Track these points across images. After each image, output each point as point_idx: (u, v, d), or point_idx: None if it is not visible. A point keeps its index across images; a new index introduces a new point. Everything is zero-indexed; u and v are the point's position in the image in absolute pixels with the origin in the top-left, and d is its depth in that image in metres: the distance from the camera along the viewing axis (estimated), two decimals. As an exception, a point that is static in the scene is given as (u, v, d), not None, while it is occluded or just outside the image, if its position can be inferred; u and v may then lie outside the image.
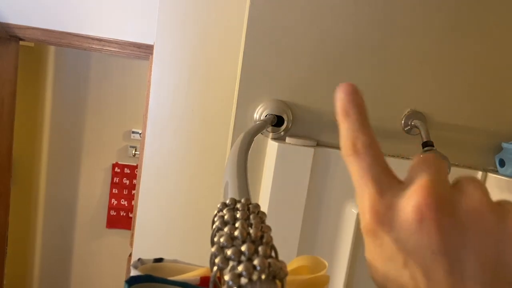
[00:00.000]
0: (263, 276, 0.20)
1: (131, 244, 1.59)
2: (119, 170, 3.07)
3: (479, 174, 0.99)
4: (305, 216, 0.99)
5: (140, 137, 3.06)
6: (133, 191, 3.08)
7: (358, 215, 0.99)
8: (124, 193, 3.07)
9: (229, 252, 0.22)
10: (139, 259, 0.32)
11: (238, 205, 0.29)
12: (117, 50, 1.94)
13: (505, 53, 0.99)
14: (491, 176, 0.98)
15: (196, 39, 1.34)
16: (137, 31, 1.89)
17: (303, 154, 0.98)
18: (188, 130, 1.39)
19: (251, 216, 0.27)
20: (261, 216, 0.28)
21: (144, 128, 1.61)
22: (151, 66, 1.59)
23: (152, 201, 1.41)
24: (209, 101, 1.38)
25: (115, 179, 3.07)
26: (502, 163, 0.97)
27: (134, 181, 3.08)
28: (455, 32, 0.98)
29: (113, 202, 3.07)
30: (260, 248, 0.22)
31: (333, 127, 1.02)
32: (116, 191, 3.07)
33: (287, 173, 0.99)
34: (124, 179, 3.07)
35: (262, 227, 0.26)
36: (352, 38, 0.98)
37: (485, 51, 0.99)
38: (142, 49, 1.94)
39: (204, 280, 0.30)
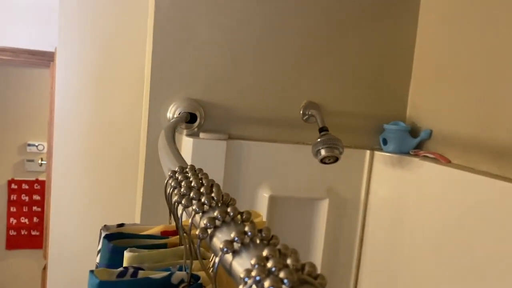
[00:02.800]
0: (219, 204, 0.28)
1: (45, 256, 1.54)
2: (16, 187, 2.87)
3: (367, 153, 1.16)
4: (223, 203, 1.07)
5: (38, 149, 2.90)
6: (34, 208, 2.91)
7: (270, 197, 1.10)
8: (24, 210, 2.88)
9: (191, 194, 0.30)
10: (104, 225, 0.37)
11: (186, 169, 0.37)
12: (11, 58, 1.85)
13: (380, 48, 1.17)
14: (377, 153, 1.16)
15: (101, 42, 1.35)
16: (33, 38, 1.81)
17: (216, 147, 1.07)
18: (97, 135, 1.39)
19: (199, 174, 0.35)
20: (206, 173, 0.35)
21: (50, 137, 1.57)
22: (53, 73, 1.56)
23: (66, 209, 1.39)
24: (118, 104, 1.39)
25: (12, 197, 2.87)
26: (385, 142, 1.14)
27: (35, 196, 2.91)
28: (337, 31, 1.14)
29: (12, 221, 2.87)
30: (214, 189, 0.30)
31: (243, 120, 1.12)
32: (15, 209, 2.87)
33: (203, 166, 1.06)
34: (23, 196, 2.88)
35: (210, 179, 0.33)
36: (254, 39, 1.09)
37: (364, 47, 1.16)
38: (38, 56, 1.87)
39: (164, 233, 0.37)
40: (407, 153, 1.12)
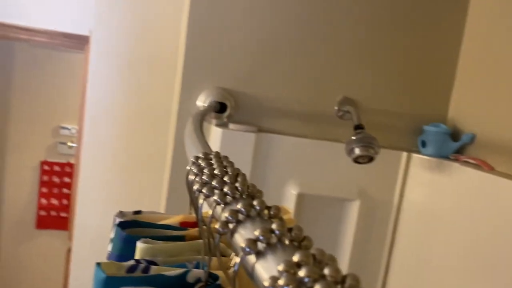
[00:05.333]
0: (244, 195, 0.24)
1: (70, 239, 1.55)
2: (48, 168, 2.93)
3: (404, 155, 1.10)
4: (249, 198, 1.04)
5: (71, 133, 2.95)
6: (64, 189, 2.96)
7: (298, 195, 1.05)
8: (55, 192, 2.94)
9: (213, 183, 0.26)
10: (120, 212, 0.35)
11: (210, 156, 0.33)
12: (47, 40, 1.87)
13: (425, 46, 1.10)
14: (414, 156, 1.09)
15: (135, 28, 1.34)
16: (68, 21, 1.83)
17: (245, 139, 1.03)
18: (127, 121, 1.39)
19: (224, 162, 0.31)
20: (232, 161, 0.32)
21: (80, 121, 1.58)
22: (87, 57, 1.56)
23: (92, 193, 1.39)
24: (149, 91, 1.38)
25: (44, 178, 2.93)
26: (423, 144, 1.08)
27: (65, 179, 2.96)
28: (381, 27, 1.08)
29: (43, 202, 2.93)
30: (239, 179, 0.26)
31: (274, 113, 1.08)
32: (46, 190, 2.93)
33: (231, 157, 1.03)
34: (54, 177, 2.94)
35: (236, 168, 0.30)
36: (289, 29, 1.05)
37: (409, 44, 1.10)
38: (74, 39, 1.89)
39: (183, 224, 0.34)
40: (446, 158, 1.05)
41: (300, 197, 1.06)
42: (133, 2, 1.33)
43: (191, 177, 0.32)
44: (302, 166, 1.07)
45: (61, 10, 1.84)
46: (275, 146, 1.06)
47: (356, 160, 0.97)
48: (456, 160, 1.03)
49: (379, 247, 1.13)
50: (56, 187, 2.95)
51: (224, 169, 0.29)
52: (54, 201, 2.95)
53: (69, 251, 1.52)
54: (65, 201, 2.97)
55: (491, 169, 0.96)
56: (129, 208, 1.35)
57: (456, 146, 1.05)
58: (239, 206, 0.22)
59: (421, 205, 1.07)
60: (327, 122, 1.10)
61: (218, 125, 1.05)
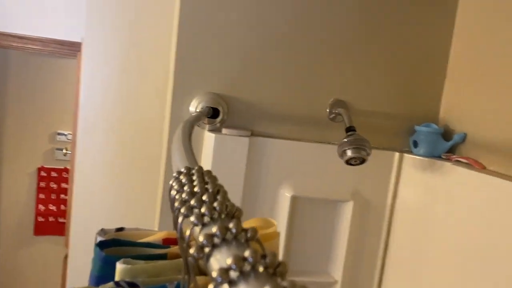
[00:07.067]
0: (223, 215, 0.25)
1: (66, 245, 1.55)
2: (45, 174, 2.93)
3: (396, 155, 1.10)
4: (243, 201, 1.04)
5: (67, 139, 2.95)
6: (61, 195, 2.96)
7: (292, 198, 1.06)
8: (52, 197, 2.94)
9: (192, 202, 0.26)
10: (102, 229, 0.35)
11: (193, 171, 0.34)
12: (40, 48, 1.87)
13: (415, 46, 1.11)
14: (406, 156, 1.10)
15: (127, 34, 1.34)
16: (61, 28, 1.83)
17: (239, 143, 1.04)
18: (121, 127, 1.38)
19: (206, 177, 0.32)
20: (214, 176, 0.32)
21: (74, 127, 1.58)
22: (79, 63, 1.56)
23: (87, 200, 1.39)
24: (142, 97, 1.38)
25: (41, 184, 2.93)
26: (415, 144, 1.09)
27: (63, 184, 2.96)
28: (370, 28, 1.08)
29: (41, 208, 2.93)
30: (218, 196, 0.27)
31: (267, 117, 1.08)
32: (44, 196, 2.93)
33: (225, 162, 1.04)
34: (52, 183, 2.94)
35: (217, 184, 0.30)
36: (278, 34, 1.05)
37: (398, 45, 1.10)
38: (66, 46, 1.88)
39: (166, 241, 0.34)
40: (438, 157, 1.06)
41: (294, 200, 1.07)
42: (125, 8, 1.33)
43: (173, 193, 0.32)
44: (295, 169, 1.07)
45: (53, 18, 1.84)
46: (268, 149, 1.06)
47: (348, 162, 0.97)
48: (448, 159, 1.03)
49: (374, 248, 1.13)
50: (54, 192, 2.95)
51: (205, 186, 0.29)
52: (52, 207, 2.94)
53: (66, 257, 1.52)
54: (63, 207, 2.97)
55: (482, 168, 0.96)
56: (124, 214, 1.35)
57: (447, 146, 1.05)
58: (214, 229, 0.22)
59: (414, 205, 1.08)
60: (319, 124, 1.10)
61: (211, 130, 1.06)
